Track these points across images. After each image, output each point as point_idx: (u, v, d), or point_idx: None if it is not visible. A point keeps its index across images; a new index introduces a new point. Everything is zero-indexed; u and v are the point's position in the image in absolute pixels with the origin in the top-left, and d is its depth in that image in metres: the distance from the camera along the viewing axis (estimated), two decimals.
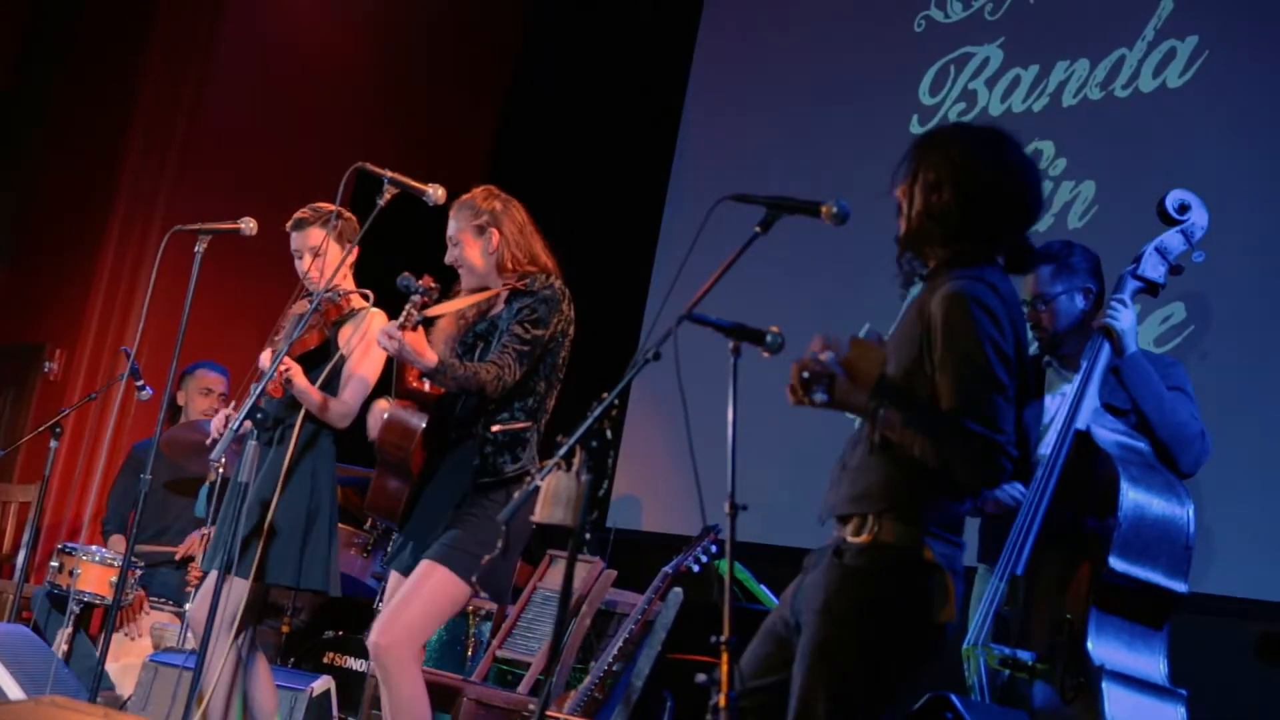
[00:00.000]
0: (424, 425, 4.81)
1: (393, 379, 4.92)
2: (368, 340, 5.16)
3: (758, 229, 3.43)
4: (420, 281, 4.64)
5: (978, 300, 3.30)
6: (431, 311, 4.74)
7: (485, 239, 4.87)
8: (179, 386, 7.25)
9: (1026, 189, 3.47)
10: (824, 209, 3.38)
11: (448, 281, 4.98)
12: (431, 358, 4.62)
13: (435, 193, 4.96)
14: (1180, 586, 4.26)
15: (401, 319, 4.59)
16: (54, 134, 9.27)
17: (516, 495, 4.60)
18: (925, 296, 3.40)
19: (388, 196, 4.99)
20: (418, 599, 4.65)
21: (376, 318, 5.22)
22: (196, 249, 5.30)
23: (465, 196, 4.99)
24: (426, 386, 4.85)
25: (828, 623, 3.28)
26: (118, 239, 8.68)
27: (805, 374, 3.17)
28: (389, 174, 4.98)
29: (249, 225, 5.33)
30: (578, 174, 9.03)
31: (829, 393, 3.19)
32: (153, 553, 7.06)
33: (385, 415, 4.87)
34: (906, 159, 3.49)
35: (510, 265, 4.86)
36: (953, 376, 3.25)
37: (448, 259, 4.93)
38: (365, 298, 5.29)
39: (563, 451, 3.24)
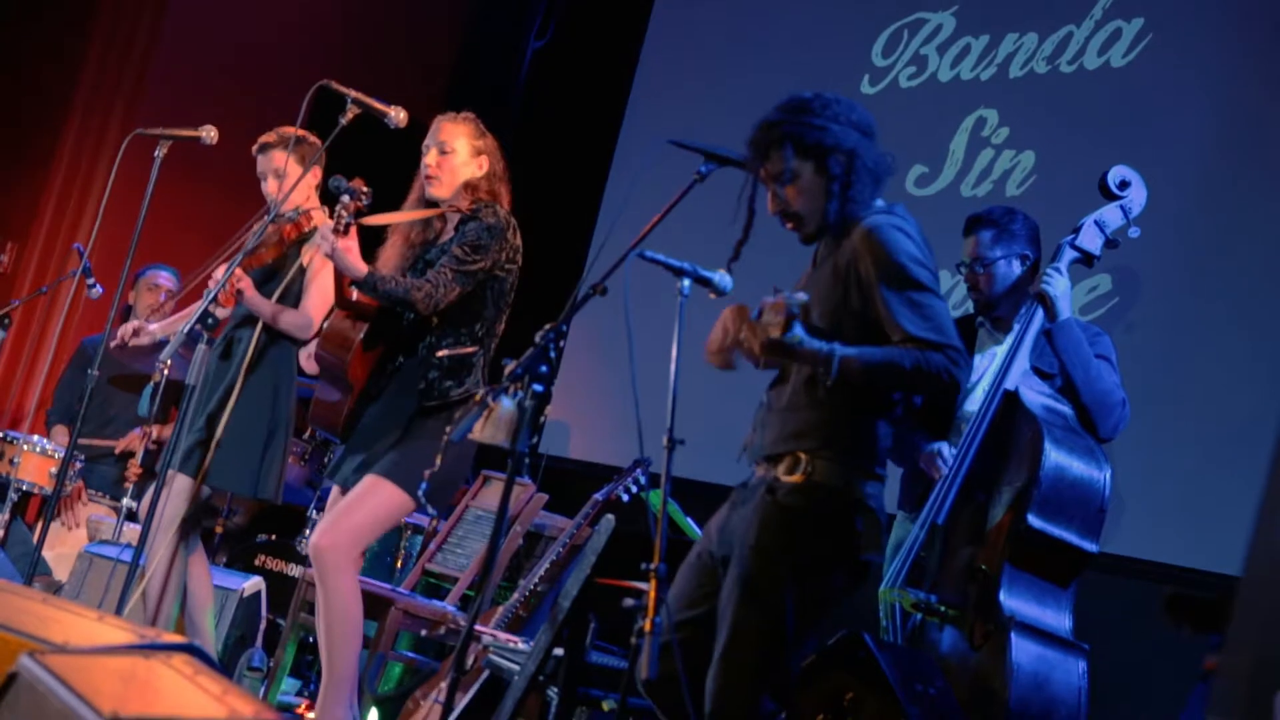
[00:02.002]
0: (361, 336, 4.80)
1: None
2: (319, 253, 5.25)
3: (696, 176, 3.59)
4: (351, 183, 4.64)
5: (895, 228, 3.47)
6: (369, 220, 4.76)
7: (476, 160, 4.92)
8: (131, 287, 7.30)
9: (866, 111, 3.60)
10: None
11: (388, 193, 4.98)
12: (360, 267, 4.64)
13: (397, 115, 5.02)
14: (1091, 546, 4.41)
15: (334, 222, 4.61)
16: (13, 32, 9.16)
17: (463, 415, 4.68)
18: (836, 246, 3.54)
19: (350, 116, 5.05)
20: (362, 508, 4.74)
21: None
22: (156, 153, 5.33)
23: (463, 115, 4.99)
24: (361, 295, 4.83)
25: (761, 559, 3.41)
26: (75, 138, 8.58)
27: (791, 309, 3.24)
28: (352, 93, 5.03)
29: (209, 134, 5.35)
30: (534, 107, 9.12)
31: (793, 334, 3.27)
32: (92, 445, 7.12)
33: (324, 326, 4.90)
34: (770, 138, 3.57)
35: (480, 193, 4.90)
36: (901, 301, 3.40)
37: (427, 161, 4.91)
38: (325, 215, 5.37)
39: (509, 375, 3.32)
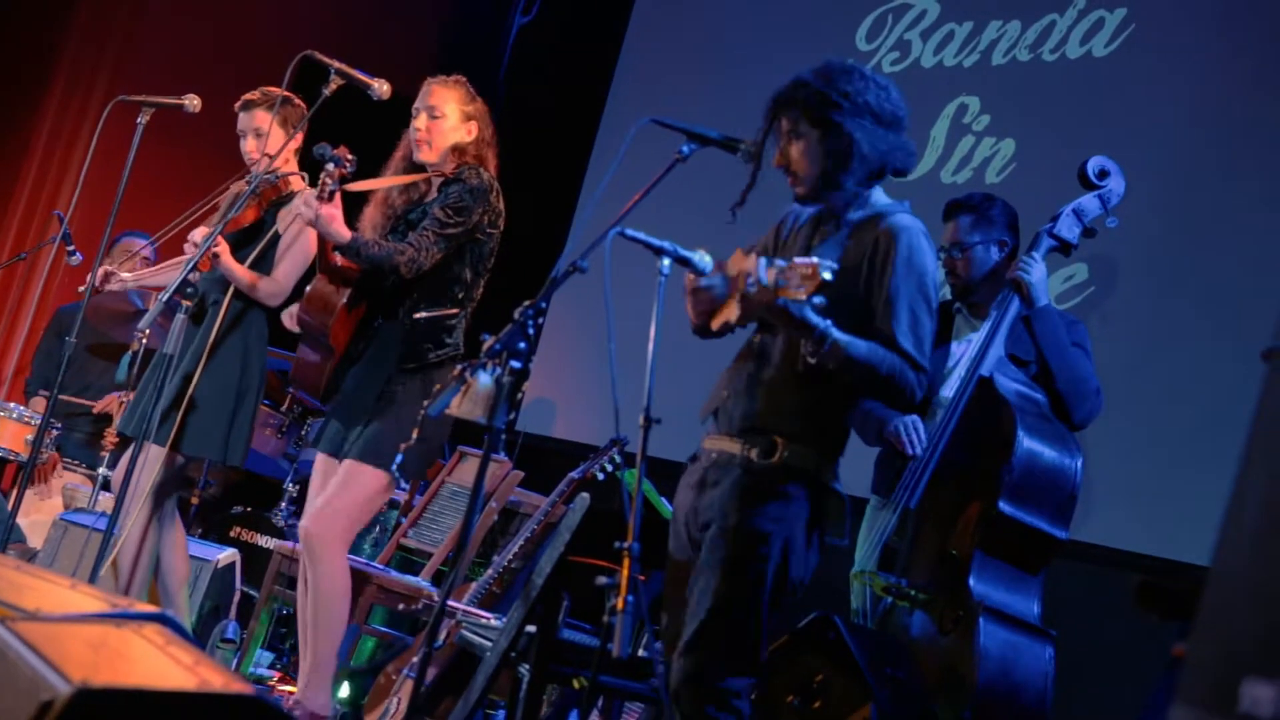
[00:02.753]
0: (344, 300, 4.80)
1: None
2: (301, 224, 5.25)
3: (677, 156, 3.60)
4: (336, 151, 4.62)
5: (924, 235, 3.55)
6: (353, 186, 4.77)
7: (465, 125, 4.91)
8: (108, 254, 7.27)
9: (900, 100, 3.64)
10: (740, 146, 3.58)
11: (372, 167, 4.98)
12: (344, 232, 4.64)
13: (380, 87, 5.01)
14: (1062, 533, 4.44)
15: (318, 189, 4.60)
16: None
17: (441, 388, 4.67)
18: (850, 231, 3.59)
19: (333, 86, 5.03)
20: (346, 494, 4.76)
21: (311, 196, 5.30)
22: (139, 120, 5.30)
23: (454, 79, 4.99)
24: (344, 261, 4.83)
25: (737, 537, 3.46)
26: (58, 104, 8.57)
27: (808, 270, 3.22)
28: (336, 64, 5.01)
29: (193, 102, 5.33)
30: (518, 83, 9.11)
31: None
32: (70, 403, 7.11)
33: (307, 289, 4.89)
34: (794, 95, 3.61)
35: (467, 159, 4.89)
36: (905, 307, 3.47)
37: (416, 124, 4.90)
38: (304, 179, 5.34)
39: (487, 351, 3.33)
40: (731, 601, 3.44)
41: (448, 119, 4.90)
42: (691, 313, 3.61)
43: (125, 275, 5.50)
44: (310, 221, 4.66)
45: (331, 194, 4.62)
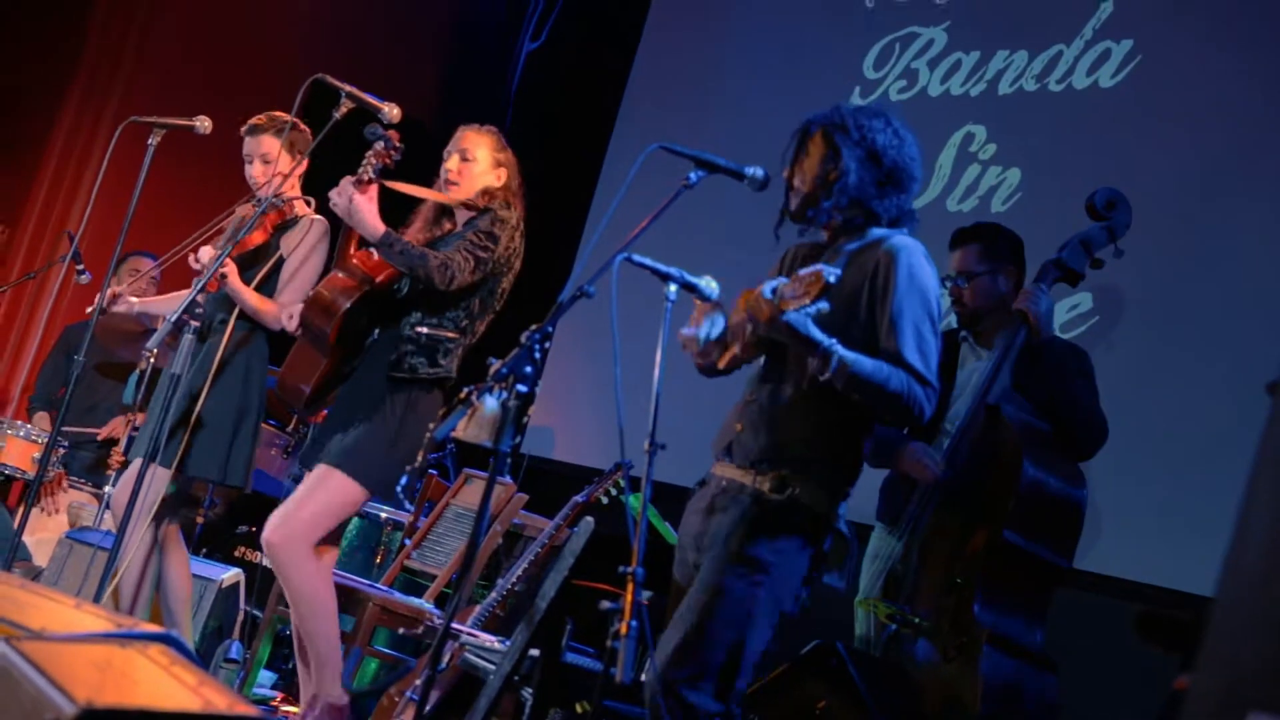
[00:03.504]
0: (349, 305, 4.74)
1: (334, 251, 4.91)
2: (306, 245, 5.25)
3: (684, 182, 3.62)
4: (387, 132, 4.63)
5: (926, 258, 3.59)
6: (392, 185, 4.73)
7: (495, 171, 4.94)
8: (115, 274, 7.28)
9: (914, 160, 3.70)
10: (746, 174, 3.60)
11: (416, 179, 4.99)
12: (378, 224, 4.60)
13: (390, 110, 5.01)
14: (1066, 563, 4.46)
15: (360, 169, 4.59)
16: (11, 18, 9.13)
17: (448, 411, 4.66)
18: (858, 255, 3.62)
19: (344, 110, 5.04)
20: (311, 500, 4.73)
21: (318, 224, 5.31)
22: (150, 141, 5.31)
23: (487, 128, 5.02)
24: (363, 263, 4.78)
25: (736, 565, 3.49)
26: (70, 124, 8.60)
27: (810, 278, 3.27)
28: (346, 87, 5.02)
29: (204, 124, 5.34)
30: (527, 109, 9.14)
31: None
32: (76, 432, 7.12)
33: (311, 291, 4.87)
34: (823, 120, 3.69)
35: (492, 200, 4.90)
36: (910, 324, 3.50)
37: (448, 165, 4.93)
38: (308, 204, 5.38)
39: (494, 375, 3.36)
40: (716, 620, 3.46)
41: (479, 163, 4.94)
42: (695, 357, 3.68)
43: (133, 299, 5.52)
44: (343, 210, 4.62)
45: (371, 179, 4.61)
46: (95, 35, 8.70)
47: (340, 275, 4.81)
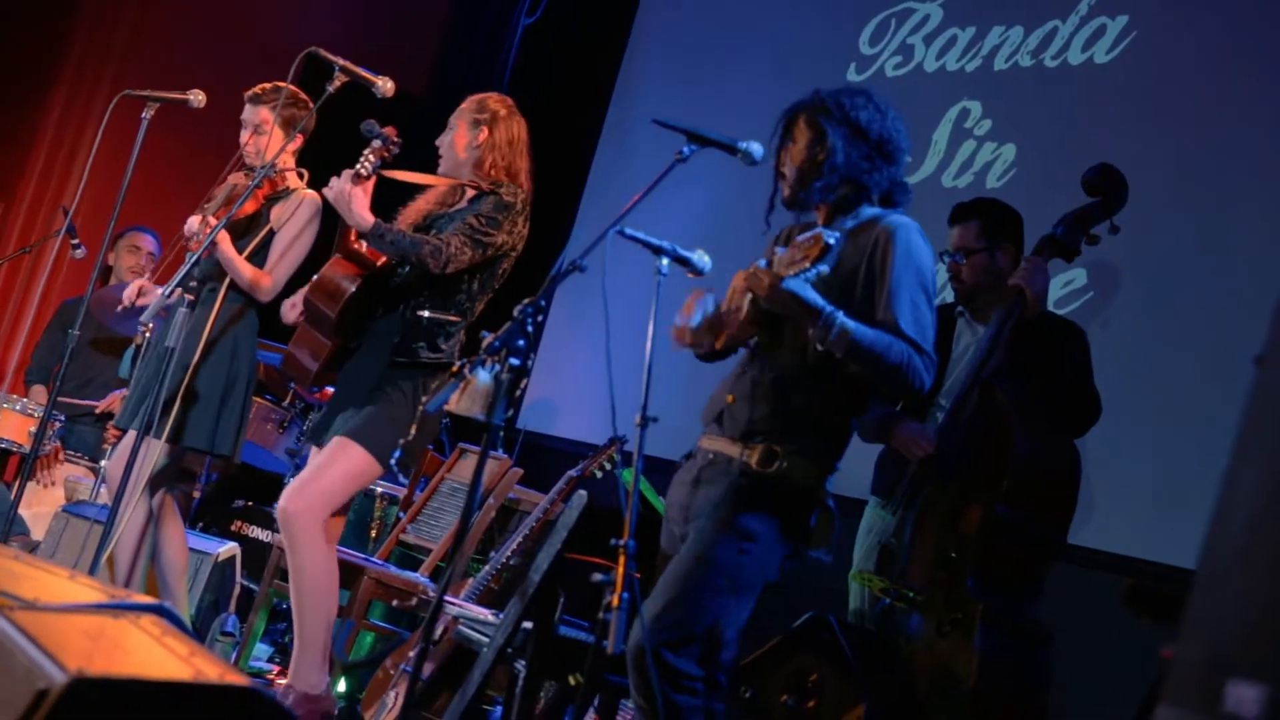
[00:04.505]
0: (354, 289, 4.79)
1: (333, 243, 4.92)
2: (298, 221, 5.25)
3: (677, 156, 3.62)
4: (384, 129, 4.66)
5: (920, 234, 3.62)
6: (392, 174, 4.75)
7: (475, 133, 4.94)
8: (111, 249, 7.29)
9: (899, 131, 3.73)
10: (739, 149, 3.61)
11: (411, 154, 5.00)
12: (367, 217, 4.63)
13: (384, 85, 5.02)
14: (1060, 538, 4.47)
15: (358, 164, 4.61)
16: None
17: (439, 385, 4.68)
18: (855, 234, 3.63)
19: (337, 83, 5.05)
20: (329, 471, 4.75)
21: (309, 201, 5.30)
22: (143, 115, 5.30)
23: (480, 95, 5.05)
24: (364, 248, 4.83)
25: (722, 534, 3.51)
26: (65, 98, 8.59)
27: (809, 241, 3.29)
28: (340, 61, 5.02)
29: (197, 97, 5.35)
30: (522, 83, 9.11)
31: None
32: (73, 404, 7.13)
33: (318, 274, 4.89)
34: (805, 104, 3.71)
35: (488, 168, 4.91)
36: (907, 297, 3.52)
37: (438, 140, 4.99)
38: (300, 177, 5.38)
39: (486, 348, 3.34)
40: (701, 588, 3.49)
41: (457, 129, 4.97)
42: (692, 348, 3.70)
43: (158, 290, 5.50)
44: (335, 200, 4.65)
45: (369, 175, 4.63)
46: (89, 8, 8.67)
47: (342, 259, 4.84)
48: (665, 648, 3.44)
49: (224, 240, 5.11)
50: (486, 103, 5.02)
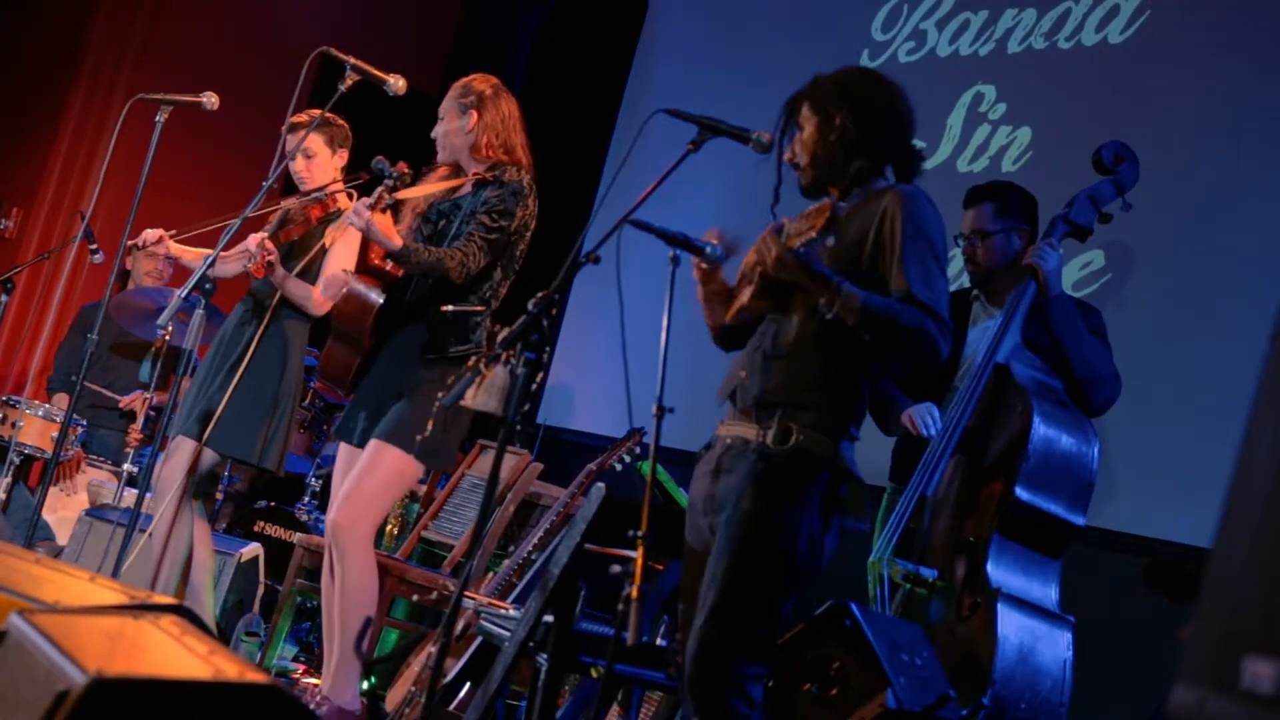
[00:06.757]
0: (381, 302, 4.89)
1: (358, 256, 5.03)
2: (345, 236, 5.32)
3: (690, 146, 3.61)
4: (395, 167, 4.74)
5: (929, 202, 3.58)
6: (403, 194, 4.84)
7: (464, 118, 4.95)
8: (129, 253, 7.31)
9: (900, 94, 3.71)
10: (751, 137, 3.60)
11: (422, 153, 5.07)
12: (397, 240, 4.71)
13: (396, 83, 5.06)
14: (1079, 519, 4.43)
15: (373, 200, 4.69)
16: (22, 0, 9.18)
17: (456, 379, 4.70)
18: (862, 205, 3.61)
19: (349, 82, 5.10)
20: (371, 478, 4.81)
21: None
22: (157, 118, 5.33)
23: (462, 79, 5.07)
24: (388, 266, 4.94)
25: (754, 523, 3.44)
26: (80, 104, 8.62)
27: (816, 210, 3.29)
28: (352, 60, 5.08)
29: (210, 100, 5.36)
30: (535, 79, 9.13)
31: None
32: (97, 393, 7.18)
33: (345, 289, 4.96)
34: (807, 90, 3.69)
35: (484, 150, 4.93)
36: (918, 262, 3.47)
37: (433, 132, 5.02)
38: (351, 198, 5.43)
39: (502, 342, 3.33)
40: (745, 586, 3.43)
41: (447, 118, 4.99)
42: (705, 307, 3.67)
43: (173, 244, 5.52)
44: (361, 229, 4.74)
45: (386, 209, 4.73)
46: (104, 13, 8.70)
47: (367, 278, 4.96)
48: (725, 657, 3.39)
49: (276, 259, 5.24)
50: (470, 85, 5.02)
